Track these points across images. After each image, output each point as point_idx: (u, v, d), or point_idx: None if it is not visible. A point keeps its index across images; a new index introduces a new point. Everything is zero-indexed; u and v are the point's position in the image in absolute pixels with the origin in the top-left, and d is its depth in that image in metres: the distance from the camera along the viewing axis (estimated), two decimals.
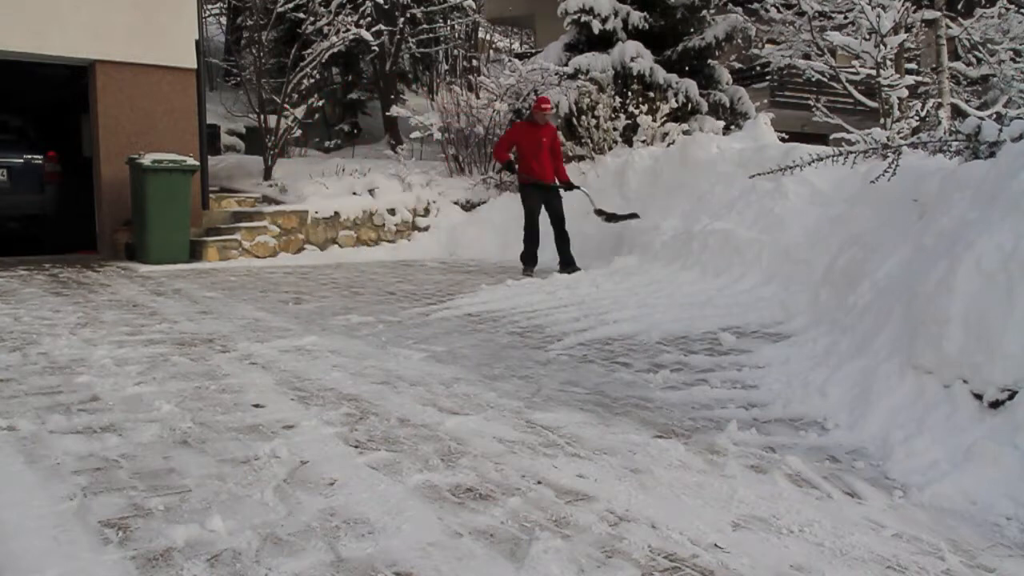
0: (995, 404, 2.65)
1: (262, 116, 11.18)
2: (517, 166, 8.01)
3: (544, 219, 7.93)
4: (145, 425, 2.90)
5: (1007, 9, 12.74)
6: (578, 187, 8.21)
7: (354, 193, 10.21)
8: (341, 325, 5.07)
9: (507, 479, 2.44)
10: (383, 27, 13.60)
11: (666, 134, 10.27)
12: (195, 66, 9.51)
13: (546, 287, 6.58)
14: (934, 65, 12.83)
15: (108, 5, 8.93)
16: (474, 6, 17.46)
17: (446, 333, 4.84)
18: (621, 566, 1.90)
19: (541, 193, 7.84)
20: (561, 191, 7.97)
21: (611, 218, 8.12)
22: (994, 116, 10.95)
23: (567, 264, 7.76)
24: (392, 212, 10.27)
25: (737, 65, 16.42)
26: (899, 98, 10.24)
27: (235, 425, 2.93)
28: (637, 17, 11.94)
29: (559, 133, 9.10)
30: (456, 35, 18.14)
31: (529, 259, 7.94)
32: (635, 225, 8.05)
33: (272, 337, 4.61)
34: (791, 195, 6.36)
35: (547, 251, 8.03)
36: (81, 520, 2.10)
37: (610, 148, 10.35)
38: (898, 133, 8.71)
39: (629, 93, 10.71)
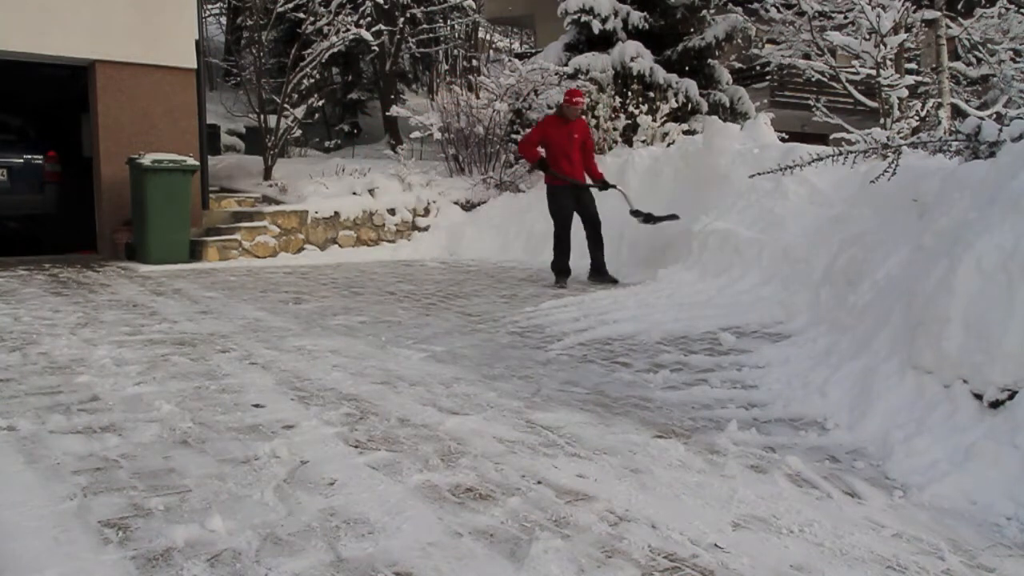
0: (995, 404, 2.65)
1: (262, 116, 11.18)
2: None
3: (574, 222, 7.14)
4: (145, 425, 2.90)
5: (1007, 9, 12.72)
6: (614, 186, 7.28)
7: (354, 193, 10.20)
8: (341, 325, 5.06)
9: (507, 479, 2.44)
10: (383, 27, 13.62)
11: (666, 134, 10.27)
12: (195, 66, 9.50)
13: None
14: (934, 65, 12.82)
15: (108, 5, 8.93)
16: (474, 6, 17.49)
17: (446, 333, 4.84)
18: (621, 566, 1.90)
19: (574, 194, 7.12)
20: (595, 191, 7.21)
21: (649, 219, 7.25)
22: (994, 116, 10.96)
23: (598, 272, 7.16)
24: (392, 212, 10.26)
25: (737, 65, 16.39)
26: (899, 98, 10.23)
27: (235, 425, 2.93)
28: (637, 17, 11.93)
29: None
30: (456, 35, 18.16)
31: (563, 270, 7.10)
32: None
33: (272, 337, 4.61)
34: (791, 195, 6.35)
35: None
36: (81, 520, 2.10)
37: (610, 148, 10.34)
38: (898, 133, 8.69)
39: (629, 93, 10.71)
